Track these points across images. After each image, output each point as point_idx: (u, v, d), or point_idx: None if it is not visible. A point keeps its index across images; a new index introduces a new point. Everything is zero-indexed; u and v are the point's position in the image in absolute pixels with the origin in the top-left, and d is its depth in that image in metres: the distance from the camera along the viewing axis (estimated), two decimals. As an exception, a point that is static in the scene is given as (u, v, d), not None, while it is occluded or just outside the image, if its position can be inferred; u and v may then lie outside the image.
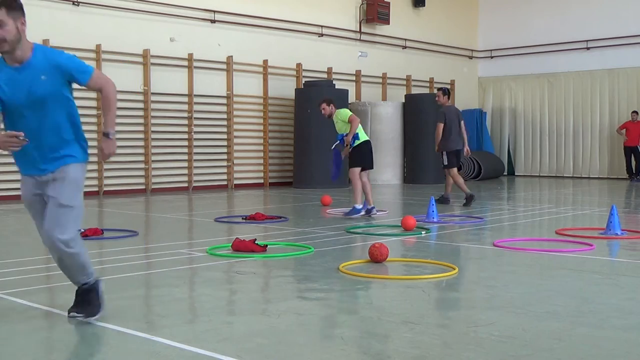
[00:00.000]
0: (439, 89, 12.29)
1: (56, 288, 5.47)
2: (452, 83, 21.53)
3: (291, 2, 17.29)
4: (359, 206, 9.93)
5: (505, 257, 6.82)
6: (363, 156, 10.10)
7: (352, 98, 18.14)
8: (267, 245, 7.04)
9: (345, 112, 10.07)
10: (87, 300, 4.30)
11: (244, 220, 9.62)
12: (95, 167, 14.07)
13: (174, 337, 3.94)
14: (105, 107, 4.23)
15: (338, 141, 10.20)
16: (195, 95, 15.37)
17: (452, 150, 11.73)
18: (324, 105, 10.21)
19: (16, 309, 4.65)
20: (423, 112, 17.88)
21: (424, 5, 20.42)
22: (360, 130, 10.09)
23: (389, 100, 18.93)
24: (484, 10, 22.62)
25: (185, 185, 15.28)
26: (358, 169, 10.02)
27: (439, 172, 18.13)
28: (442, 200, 11.73)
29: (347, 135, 9.93)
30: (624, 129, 18.82)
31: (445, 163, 11.77)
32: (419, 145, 17.83)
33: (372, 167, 10.30)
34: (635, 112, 18.77)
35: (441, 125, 11.71)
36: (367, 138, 10.21)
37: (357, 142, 9.99)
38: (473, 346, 3.80)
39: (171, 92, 15.16)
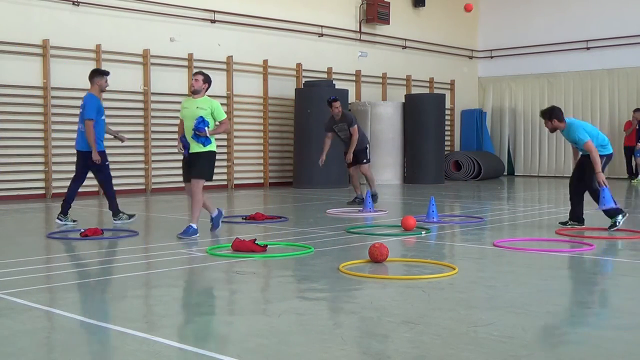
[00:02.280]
0: (335, 100, 11.61)
1: (56, 288, 5.47)
2: (452, 83, 21.53)
3: (291, 2, 17.29)
4: (195, 225, 8.17)
5: (505, 257, 6.82)
6: (212, 168, 8.36)
7: (352, 98, 18.14)
8: (267, 245, 7.04)
9: (222, 110, 8.25)
10: None
11: (244, 220, 9.63)
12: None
13: (174, 337, 3.94)
14: None
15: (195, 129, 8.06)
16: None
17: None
18: (198, 76, 8.27)
19: (16, 309, 4.65)
20: (423, 112, 17.88)
21: (424, 5, 20.41)
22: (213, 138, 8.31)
23: (389, 100, 18.92)
24: (484, 10, 22.61)
25: (185, 185, 15.26)
26: (203, 182, 8.22)
27: (439, 172, 18.20)
28: (359, 201, 11.47)
29: (209, 128, 8.06)
30: (629, 128, 18.75)
31: (369, 158, 11.98)
32: (419, 145, 17.83)
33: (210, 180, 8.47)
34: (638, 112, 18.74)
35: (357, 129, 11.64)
36: (216, 148, 8.38)
37: (209, 147, 8.18)
38: (473, 346, 3.80)
39: (171, 92, 15.15)
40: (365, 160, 11.79)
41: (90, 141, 9.22)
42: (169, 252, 7.02)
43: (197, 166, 8.14)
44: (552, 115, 8.95)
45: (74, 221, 9.36)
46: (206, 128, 7.94)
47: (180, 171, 10.08)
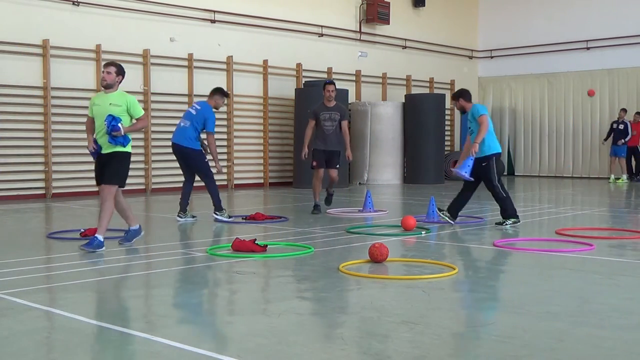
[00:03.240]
0: (331, 82, 10.70)
1: (56, 288, 5.47)
2: (452, 83, 21.53)
3: (291, 2, 17.29)
4: (101, 237, 7.07)
5: (505, 257, 6.82)
6: (126, 171, 7.33)
7: (352, 98, 18.14)
8: (267, 245, 7.04)
9: (138, 105, 7.24)
10: None
11: (244, 220, 9.63)
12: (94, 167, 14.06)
13: (174, 337, 3.94)
14: None
15: (106, 127, 6.99)
16: (195, 95, 15.36)
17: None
18: (110, 68, 7.14)
19: (16, 309, 4.65)
20: (423, 112, 17.88)
21: (424, 5, 20.42)
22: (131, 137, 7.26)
23: (389, 100, 18.93)
24: (484, 10, 22.62)
25: (185, 185, 15.27)
26: (115, 187, 7.19)
27: (439, 172, 18.19)
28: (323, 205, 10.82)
29: (123, 125, 7.01)
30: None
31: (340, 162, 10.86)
32: (419, 145, 17.83)
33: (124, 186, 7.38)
34: (638, 112, 18.76)
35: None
36: (131, 150, 7.29)
37: (122, 148, 7.13)
38: (473, 346, 3.80)
39: (171, 92, 15.16)
40: (338, 165, 10.71)
41: (214, 154, 9.65)
42: (169, 252, 7.02)
43: (110, 169, 7.10)
44: (460, 95, 9.35)
45: (194, 217, 9.81)
46: (120, 125, 6.92)
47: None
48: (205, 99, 10.09)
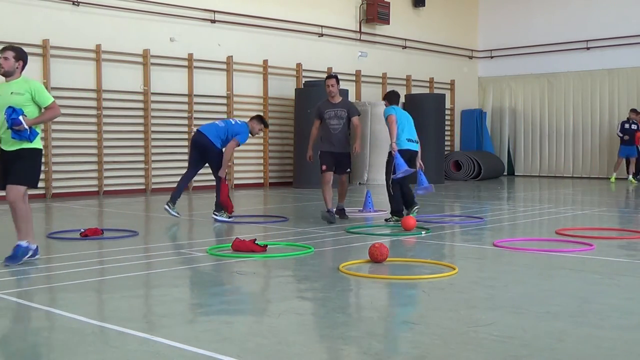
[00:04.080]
0: (331, 77, 9.68)
1: (56, 288, 5.47)
2: (452, 83, 21.53)
3: (291, 2, 17.29)
4: (33, 245, 6.37)
5: (505, 257, 6.82)
6: (38, 171, 6.39)
7: (352, 98, 18.12)
8: (267, 245, 7.04)
9: (46, 92, 6.34)
10: None
11: (242, 221, 9.65)
12: (95, 167, 14.07)
13: (174, 337, 3.94)
14: None
15: (7, 118, 6.10)
16: (195, 95, 15.37)
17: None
18: (7, 53, 6.40)
19: (16, 309, 4.65)
20: (423, 112, 17.84)
21: (424, 5, 20.41)
22: (40, 130, 6.41)
23: (389, 100, 18.90)
24: (484, 10, 22.61)
25: (185, 185, 15.27)
26: (24, 189, 6.24)
27: (439, 172, 18.17)
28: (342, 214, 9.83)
29: (27, 117, 6.12)
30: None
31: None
32: (419, 145, 17.81)
33: (36, 186, 6.47)
34: (638, 113, 18.75)
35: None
36: (41, 146, 6.37)
37: (34, 144, 6.24)
38: (473, 346, 3.80)
39: (171, 92, 15.15)
40: (349, 169, 9.76)
41: (226, 158, 9.93)
42: (169, 252, 7.02)
43: (17, 168, 6.19)
44: (385, 97, 9.99)
45: (178, 214, 9.82)
46: (21, 117, 6.06)
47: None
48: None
